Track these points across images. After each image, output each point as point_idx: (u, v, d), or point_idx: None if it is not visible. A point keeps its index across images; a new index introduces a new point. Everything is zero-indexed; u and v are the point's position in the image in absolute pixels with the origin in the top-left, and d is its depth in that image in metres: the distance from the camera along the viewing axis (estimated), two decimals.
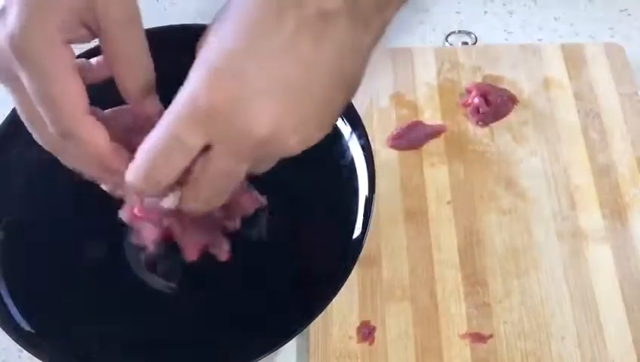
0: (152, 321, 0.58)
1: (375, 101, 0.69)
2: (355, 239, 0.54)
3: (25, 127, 0.46)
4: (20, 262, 0.57)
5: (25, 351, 0.53)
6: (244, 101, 0.38)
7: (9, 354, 0.59)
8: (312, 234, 0.60)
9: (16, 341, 0.52)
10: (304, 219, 0.60)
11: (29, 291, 0.56)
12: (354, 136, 0.59)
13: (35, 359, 0.54)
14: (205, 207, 0.44)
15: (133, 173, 0.41)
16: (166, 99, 0.42)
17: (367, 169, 0.57)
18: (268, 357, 0.52)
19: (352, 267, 0.53)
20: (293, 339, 0.55)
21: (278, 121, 0.39)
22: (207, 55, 0.39)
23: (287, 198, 0.62)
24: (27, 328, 0.53)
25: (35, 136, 0.45)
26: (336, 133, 0.59)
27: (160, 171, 0.40)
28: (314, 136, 0.42)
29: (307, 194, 0.61)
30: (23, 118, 0.45)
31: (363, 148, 0.58)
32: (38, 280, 0.57)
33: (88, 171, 0.46)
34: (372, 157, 0.57)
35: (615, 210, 0.62)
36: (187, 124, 0.38)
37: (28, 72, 0.40)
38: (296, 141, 0.40)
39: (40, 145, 0.46)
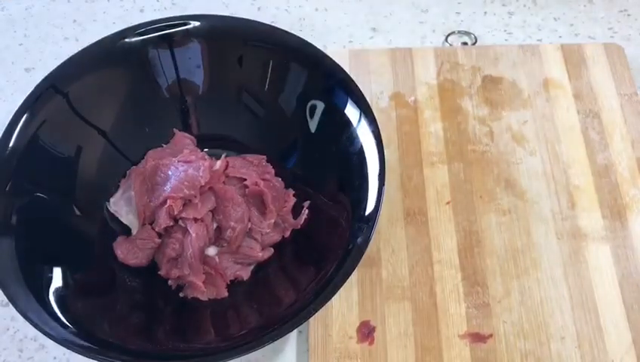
0: (164, 317, 0.58)
1: (375, 101, 0.69)
2: (359, 241, 0.54)
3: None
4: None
5: (24, 352, 0.53)
6: None
7: (9, 354, 0.59)
8: (319, 225, 0.59)
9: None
10: (311, 209, 0.60)
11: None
12: (363, 122, 0.58)
13: (36, 359, 0.54)
14: None
15: None
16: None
17: (378, 155, 0.55)
18: (268, 357, 0.52)
19: (355, 266, 0.52)
20: (294, 339, 0.55)
21: None
22: None
23: (295, 188, 0.62)
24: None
25: None
26: (345, 121, 0.59)
27: None
28: None
29: (313, 182, 0.61)
30: None
31: (373, 134, 0.57)
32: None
33: None
34: (382, 143, 0.56)
35: (615, 210, 0.62)
36: None
37: None
38: None
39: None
